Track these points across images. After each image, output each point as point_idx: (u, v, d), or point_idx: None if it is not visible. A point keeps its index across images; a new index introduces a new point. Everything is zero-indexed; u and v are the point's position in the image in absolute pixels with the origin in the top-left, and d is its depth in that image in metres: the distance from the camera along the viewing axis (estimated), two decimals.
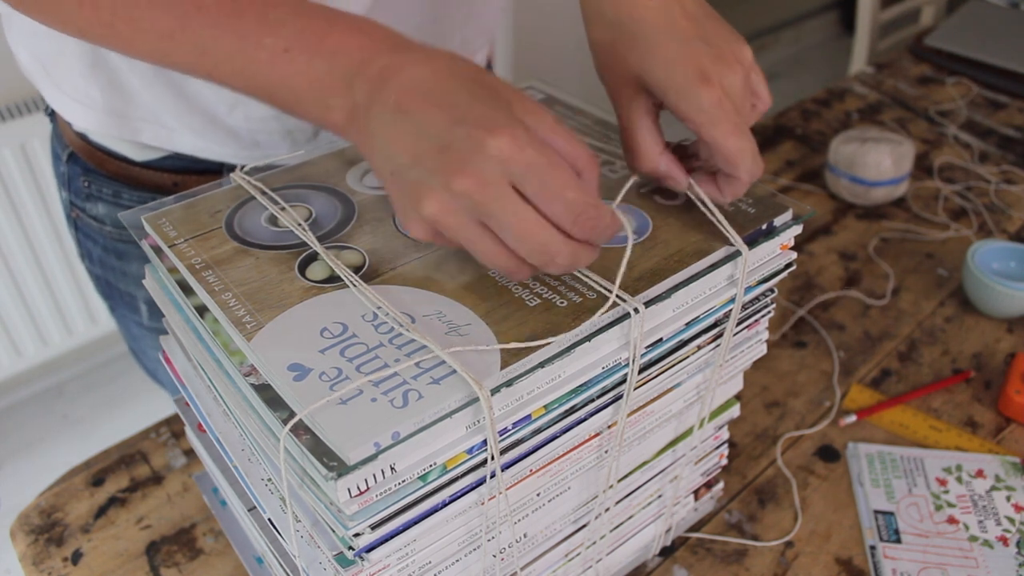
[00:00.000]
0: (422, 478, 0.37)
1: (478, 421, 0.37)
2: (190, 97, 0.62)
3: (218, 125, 0.64)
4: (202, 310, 0.42)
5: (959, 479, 0.64)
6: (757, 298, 0.48)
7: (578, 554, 0.51)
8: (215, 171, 0.67)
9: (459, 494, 0.39)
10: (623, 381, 0.42)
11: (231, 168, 0.66)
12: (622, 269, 0.41)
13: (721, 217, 0.45)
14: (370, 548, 0.37)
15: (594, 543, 0.51)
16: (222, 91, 0.62)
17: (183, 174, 0.67)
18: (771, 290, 0.48)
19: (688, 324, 0.44)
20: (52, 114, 0.73)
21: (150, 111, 0.64)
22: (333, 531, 0.37)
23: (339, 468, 0.33)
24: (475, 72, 0.38)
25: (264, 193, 0.49)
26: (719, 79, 0.41)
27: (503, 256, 0.37)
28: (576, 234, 0.36)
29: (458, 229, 0.36)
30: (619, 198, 0.45)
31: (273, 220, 0.47)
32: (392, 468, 0.35)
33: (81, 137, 0.69)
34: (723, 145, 0.41)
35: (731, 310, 0.46)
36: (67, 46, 0.62)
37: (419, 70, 0.37)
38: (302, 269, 0.43)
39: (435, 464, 0.36)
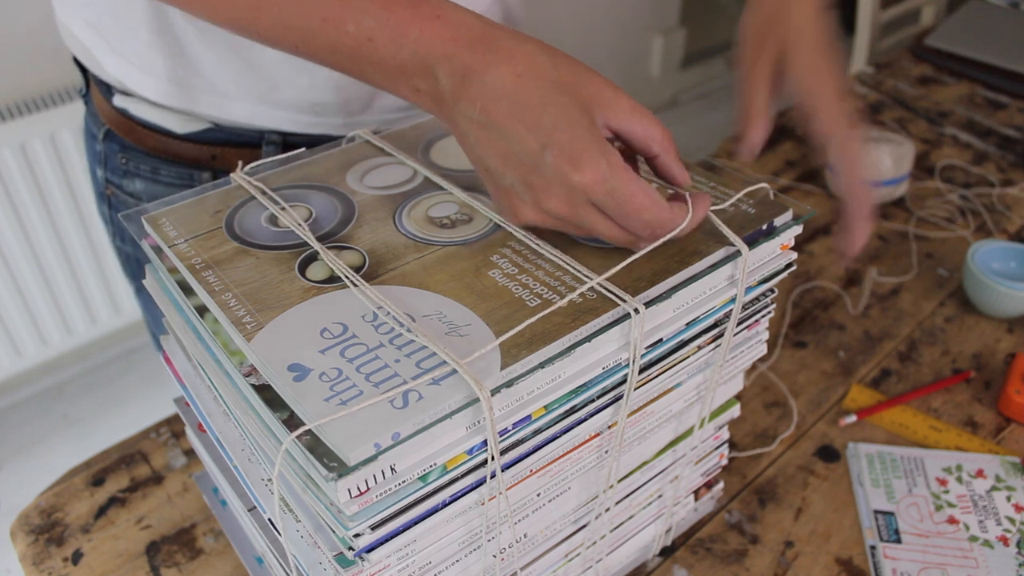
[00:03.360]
0: (422, 479, 0.36)
1: (478, 422, 0.37)
2: (255, 64, 0.63)
3: (280, 91, 0.65)
4: (202, 310, 0.42)
5: (959, 479, 0.64)
6: (757, 298, 0.48)
7: (578, 554, 0.51)
8: (255, 144, 0.68)
9: (459, 494, 0.39)
10: (623, 381, 0.42)
11: (272, 140, 0.68)
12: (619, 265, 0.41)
13: (718, 221, 0.45)
14: (370, 548, 0.37)
15: (594, 543, 0.51)
16: (289, 57, 0.63)
17: (222, 146, 0.69)
18: (771, 290, 0.48)
19: (688, 324, 0.44)
20: (86, 94, 0.74)
21: (210, 79, 0.64)
22: (333, 531, 0.37)
23: (339, 469, 0.33)
24: (554, 73, 0.40)
25: (264, 193, 0.49)
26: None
27: (598, 233, 0.42)
28: (652, 239, 0.42)
29: (552, 227, 0.43)
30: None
31: (273, 220, 0.47)
32: (392, 469, 0.35)
33: (121, 113, 0.69)
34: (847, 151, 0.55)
35: (731, 310, 0.46)
36: (132, 12, 0.62)
37: (501, 73, 0.40)
38: (302, 269, 0.43)
39: (435, 465, 0.36)
